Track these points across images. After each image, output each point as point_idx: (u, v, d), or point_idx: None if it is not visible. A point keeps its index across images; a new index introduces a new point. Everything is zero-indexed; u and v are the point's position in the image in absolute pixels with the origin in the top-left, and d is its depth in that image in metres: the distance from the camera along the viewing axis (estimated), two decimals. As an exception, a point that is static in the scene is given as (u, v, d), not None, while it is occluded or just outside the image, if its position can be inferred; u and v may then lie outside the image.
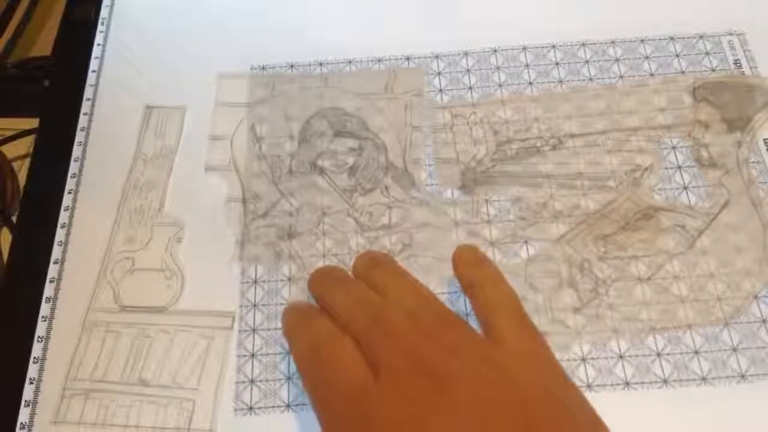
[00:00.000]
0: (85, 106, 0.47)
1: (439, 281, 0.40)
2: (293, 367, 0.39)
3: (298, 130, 0.46)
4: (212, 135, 0.46)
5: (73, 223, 0.43)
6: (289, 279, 0.41)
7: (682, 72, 0.46)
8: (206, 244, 0.42)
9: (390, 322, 0.34)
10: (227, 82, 0.48)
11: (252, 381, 0.39)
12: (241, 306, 0.41)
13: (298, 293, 0.41)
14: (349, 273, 0.38)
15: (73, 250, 0.43)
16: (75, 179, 0.45)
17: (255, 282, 0.41)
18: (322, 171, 0.44)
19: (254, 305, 0.41)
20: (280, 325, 0.40)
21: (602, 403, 0.32)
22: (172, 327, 0.40)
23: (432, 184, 0.43)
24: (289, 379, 0.39)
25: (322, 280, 0.38)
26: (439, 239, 0.42)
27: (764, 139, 0.44)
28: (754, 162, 0.43)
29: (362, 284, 0.37)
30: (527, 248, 0.41)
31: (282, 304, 0.40)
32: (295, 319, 0.37)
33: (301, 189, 0.44)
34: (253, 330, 0.40)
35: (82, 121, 0.47)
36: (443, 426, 0.30)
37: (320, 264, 0.41)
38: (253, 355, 0.39)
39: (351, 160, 0.45)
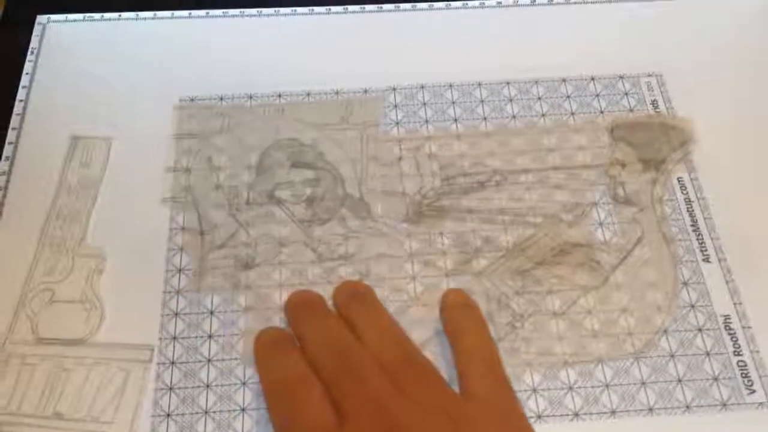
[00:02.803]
0: (10, 135, 0.47)
1: (394, 311, 0.41)
2: (211, 401, 0.39)
3: (256, 161, 0.46)
4: (168, 166, 0.46)
5: (-7, 253, 0.43)
6: (211, 312, 0.41)
7: (601, 112, 0.48)
8: (128, 276, 0.42)
9: (359, 369, 0.35)
10: (181, 112, 0.48)
11: (168, 414, 0.38)
12: (160, 339, 0.40)
13: (228, 324, 0.41)
14: (327, 301, 0.39)
15: (-9, 280, 0.42)
16: (-3, 208, 0.44)
17: (176, 315, 0.41)
18: (279, 202, 0.44)
19: (174, 338, 0.40)
20: (198, 358, 0.40)
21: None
22: (89, 359, 0.40)
23: (386, 216, 0.44)
24: (206, 413, 0.38)
25: (297, 308, 0.39)
26: (396, 270, 0.42)
27: (678, 178, 0.45)
28: (667, 200, 0.45)
29: (336, 320, 0.38)
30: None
31: (202, 336, 0.40)
32: (268, 351, 0.38)
33: (259, 220, 0.44)
34: (172, 363, 0.40)
35: (7, 150, 0.46)
36: None
37: (277, 295, 0.41)
38: (170, 389, 0.39)
39: (308, 191, 0.45)
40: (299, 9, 0.53)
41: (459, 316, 0.39)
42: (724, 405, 0.38)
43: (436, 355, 0.39)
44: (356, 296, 0.40)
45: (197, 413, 0.38)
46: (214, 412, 0.38)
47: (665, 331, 0.40)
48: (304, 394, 0.35)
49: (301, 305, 0.39)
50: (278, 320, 0.41)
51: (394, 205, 0.45)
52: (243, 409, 0.38)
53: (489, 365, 0.37)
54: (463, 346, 0.38)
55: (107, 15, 0.52)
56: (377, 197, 0.45)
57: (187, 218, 0.44)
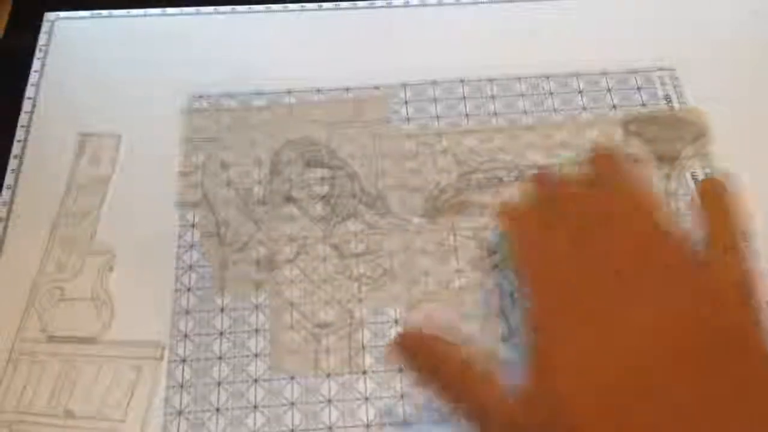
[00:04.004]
0: (19, 133, 0.47)
1: (408, 306, 0.41)
2: (222, 398, 0.38)
3: (269, 162, 0.46)
4: (180, 171, 0.45)
5: (3, 251, 0.43)
6: (222, 310, 0.41)
7: (614, 107, 0.47)
8: (138, 274, 0.42)
9: (608, 221, 0.35)
10: (191, 111, 0.48)
11: (180, 412, 0.38)
12: (171, 336, 0.40)
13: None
14: None
15: (2, 278, 0.42)
16: (6, 207, 0.44)
17: (187, 312, 0.41)
18: (295, 201, 0.44)
19: (185, 335, 0.40)
20: (210, 355, 0.39)
21: None
22: (100, 357, 0.40)
23: (404, 211, 0.44)
24: (217, 410, 0.38)
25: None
26: (419, 263, 0.42)
27: (691, 173, 0.45)
28: (681, 194, 0.44)
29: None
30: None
31: (214, 334, 0.40)
32: (516, 208, 0.38)
33: (276, 220, 0.44)
34: (183, 360, 0.40)
35: (16, 148, 0.46)
36: (640, 317, 0.31)
37: (296, 293, 0.41)
38: (182, 386, 0.39)
39: (324, 189, 0.45)
40: (307, 5, 0.52)
41: (715, 199, 0.38)
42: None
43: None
44: (611, 158, 0.39)
45: (208, 411, 0.38)
46: (226, 409, 0.38)
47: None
48: (552, 238, 0.35)
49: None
50: (289, 317, 0.40)
51: (411, 201, 0.44)
52: (255, 407, 0.38)
53: (735, 244, 0.35)
54: (717, 225, 0.36)
55: (115, 12, 0.52)
56: (394, 193, 0.44)
57: (204, 221, 0.44)
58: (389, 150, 0.46)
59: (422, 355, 0.34)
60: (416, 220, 0.44)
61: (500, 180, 0.45)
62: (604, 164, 0.38)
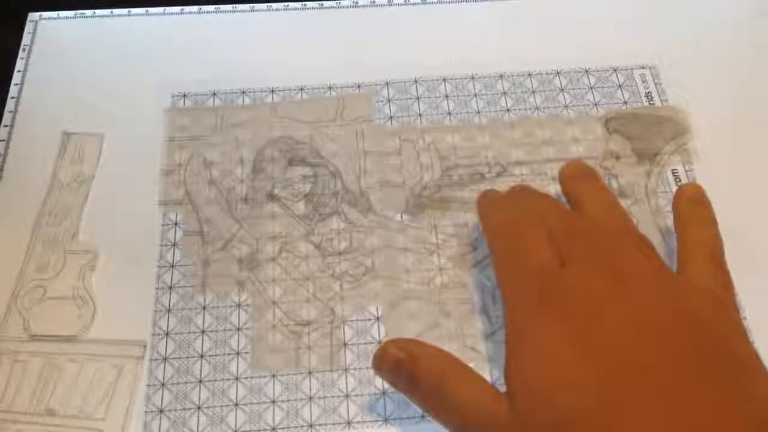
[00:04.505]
0: (2, 132, 0.47)
1: (392, 303, 0.41)
2: (203, 396, 0.39)
3: (251, 160, 0.46)
4: (163, 169, 0.45)
5: (-15, 250, 0.43)
6: (204, 308, 0.41)
7: (595, 104, 0.48)
8: (120, 273, 0.42)
9: (585, 226, 0.36)
10: (174, 110, 0.48)
11: (161, 410, 0.38)
12: (153, 334, 0.40)
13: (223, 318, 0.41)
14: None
15: (-17, 277, 0.42)
16: (-12, 206, 0.44)
17: (168, 310, 0.41)
18: (278, 199, 0.44)
19: (166, 333, 0.40)
20: (191, 353, 0.40)
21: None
22: (81, 356, 0.40)
23: (386, 209, 0.44)
24: (199, 408, 0.38)
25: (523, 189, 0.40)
26: (400, 260, 0.42)
27: (672, 170, 0.45)
28: (661, 192, 0.44)
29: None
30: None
31: (195, 332, 0.40)
32: (495, 199, 0.40)
33: (258, 218, 0.44)
34: (165, 359, 0.40)
35: (-1, 147, 0.46)
36: (616, 313, 0.31)
37: (278, 291, 0.41)
38: (163, 384, 0.39)
39: (306, 188, 0.45)
40: (291, 4, 0.53)
41: (692, 209, 0.39)
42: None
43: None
44: (583, 174, 0.40)
45: (190, 409, 0.38)
46: (207, 407, 0.38)
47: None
48: (532, 233, 0.35)
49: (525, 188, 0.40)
50: (271, 315, 0.41)
51: (394, 197, 0.44)
52: (236, 404, 0.38)
53: (712, 256, 0.36)
54: (690, 237, 0.37)
55: (99, 12, 0.52)
56: (377, 190, 0.45)
57: (186, 220, 0.44)
58: (371, 148, 0.46)
59: (402, 373, 0.34)
60: (398, 217, 0.44)
61: (482, 176, 0.45)
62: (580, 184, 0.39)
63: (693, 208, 0.39)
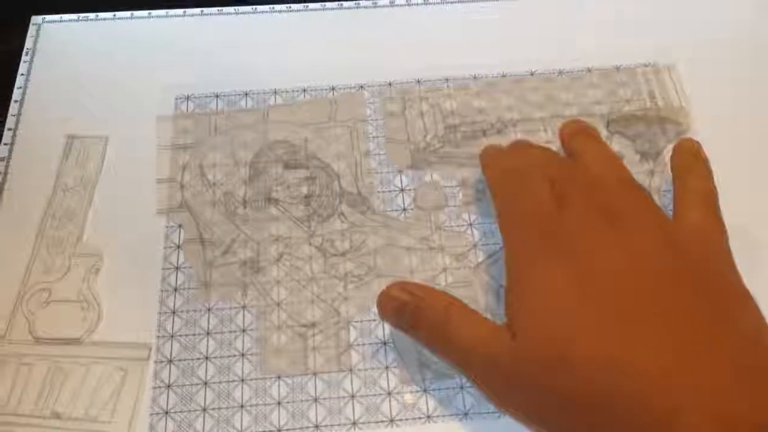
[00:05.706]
0: (6, 136, 0.47)
1: None
2: (209, 397, 0.39)
3: (248, 165, 0.46)
4: (158, 178, 0.45)
5: (-10, 254, 0.43)
6: (209, 309, 0.41)
7: (598, 103, 0.48)
8: (125, 275, 0.42)
9: (584, 173, 0.37)
10: (167, 123, 0.48)
11: (167, 412, 0.38)
12: (158, 337, 0.40)
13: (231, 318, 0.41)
14: None
15: (-11, 281, 0.42)
16: (-7, 209, 0.44)
17: (173, 312, 0.41)
18: (277, 203, 0.44)
19: (171, 336, 0.40)
20: (197, 355, 0.40)
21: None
22: (87, 359, 0.40)
23: (388, 211, 0.44)
24: (204, 410, 0.38)
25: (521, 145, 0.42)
26: (404, 260, 0.42)
27: (675, 169, 0.45)
28: (665, 191, 0.44)
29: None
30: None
31: (200, 334, 0.40)
32: (498, 150, 0.42)
33: (258, 222, 0.44)
34: (170, 361, 0.40)
35: (2, 150, 0.46)
36: (614, 254, 0.32)
37: (282, 293, 0.42)
38: (168, 386, 0.39)
39: (305, 190, 0.45)
40: (294, 6, 0.53)
41: (689, 161, 0.40)
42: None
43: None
44: (582, 131, 0.41)
45: (195, 410, 0.38)
46: (213, 409, 0.38)
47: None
48: (533, 179, 0.37)
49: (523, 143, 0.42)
50: (276, 317, 0.41)
51: (398, 154, 0.46)
52: (242, 406, 0.38)
53: (707, 201, 0.37)
54: (687, 186, 0.38)
55: (102, 15, 0.52)
56: (376, 192, 0.45)
57: (188, 224, 0.44)
58: (373, 115, 0.47)
59: (406, 313, 0.36)
60: (401, 217, 0.44)
61: (484, 132, 0.47)
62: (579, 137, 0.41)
63: (691, 160, 0.40)
